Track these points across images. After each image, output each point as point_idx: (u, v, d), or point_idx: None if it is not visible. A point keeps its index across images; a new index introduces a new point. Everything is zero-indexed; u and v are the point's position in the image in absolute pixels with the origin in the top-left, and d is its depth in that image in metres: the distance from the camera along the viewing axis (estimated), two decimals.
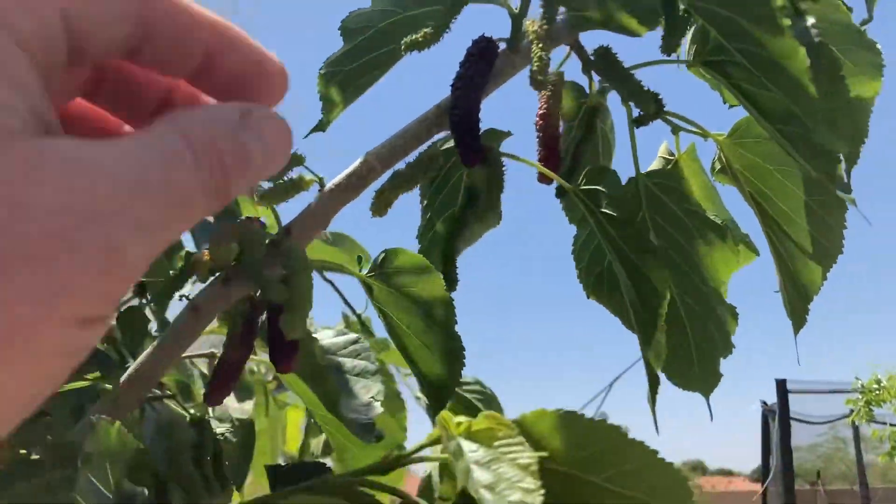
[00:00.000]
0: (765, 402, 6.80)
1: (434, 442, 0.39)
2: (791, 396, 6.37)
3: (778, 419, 6.30)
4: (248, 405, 0.93)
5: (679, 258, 0.62)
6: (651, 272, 0.51)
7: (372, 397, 0.62)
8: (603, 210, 0.53)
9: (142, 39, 0.24)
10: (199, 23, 0.25)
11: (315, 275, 0.62)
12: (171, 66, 0.25)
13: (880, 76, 0.61)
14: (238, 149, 0.24)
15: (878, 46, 0.60)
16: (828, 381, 6.72)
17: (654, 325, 0.51)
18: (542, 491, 0.32)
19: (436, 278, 0.57)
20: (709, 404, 0.61)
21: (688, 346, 0.61)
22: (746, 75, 0.53)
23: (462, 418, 0.37)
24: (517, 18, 0.52)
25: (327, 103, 0.56)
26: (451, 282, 0.55)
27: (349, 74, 0.56)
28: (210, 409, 0.97)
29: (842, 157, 0.62)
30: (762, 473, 6.96)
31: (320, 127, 0.57)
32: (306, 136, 0.57)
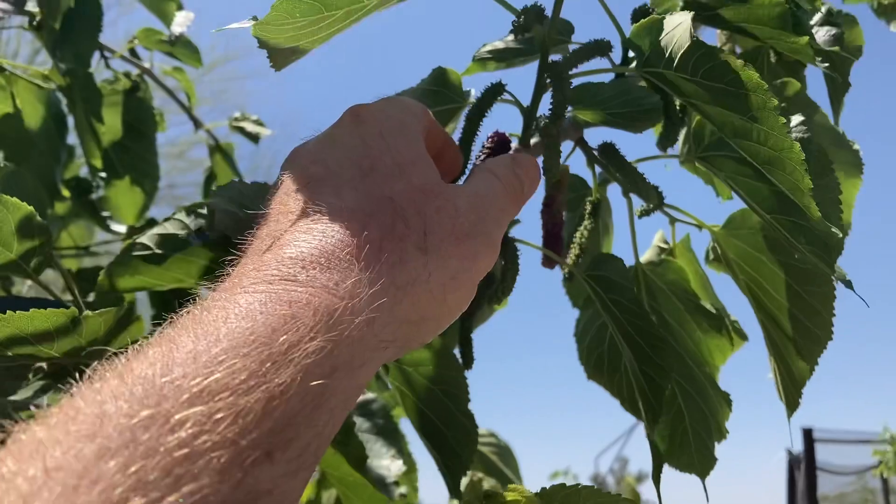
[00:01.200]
0: (790, 451, 6.71)
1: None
2: (818, 446, 6.28)
3: (804, 469, 6.20)
4: None
5: (675, 344, 0.66)
6: (660, 359, 0.54)
7: (391, 456, 0.67)
8: (611, 296, 0.57)
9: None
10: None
11: None
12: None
13: (860, 173, 0.65)
14: (517, 176, 0.42)
15: (857, 147, 0.65)
16: (856, 431, 6.60)
17: (661, 408, 0.54)
18: None
19: (452, 359, 0.62)
20: (705, 486, 0.64)
21: (685, 430, 0.64)
22: (742, 168, 0.57)
23: (486, 486, 0.41)
24: (528, 115, 0.56)
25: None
26: (468, 361, 0.59)
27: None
28: None
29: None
30: None
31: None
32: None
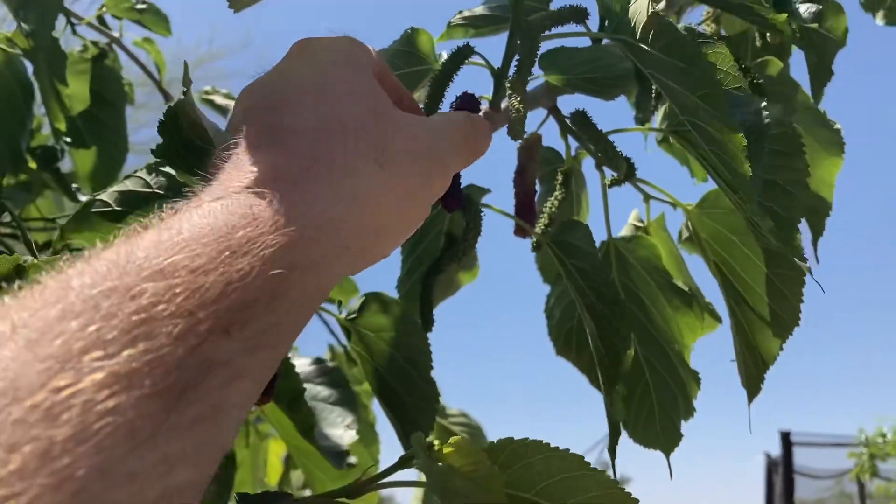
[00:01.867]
0: (768, 455, 6.74)
1: (403, 465, 0.42)
2: (796, 449, 6.32)
3: (781, 472, 6.24)
4: None
5: (645, 320, 0.65)
6: (619, 324, 0.54)
7: (346, 426, 0.66)
8: (573, 262, 0.56)
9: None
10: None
11: None
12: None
13: (841, 152, 0.65)
14: (472, 129, 0.42)
15: (838, 126, 0.64)
16: (833, 435, 6.65)
17: (618, 374, 0.54)
18: None
19: (414, 325, 0.61)
20: (669, 463, 0.63)
21: (651, 405, 0.64)
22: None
23: (435, 442, 0.40)
24: (499, 77, 0.55)
25: None
26: (427, 323, 0.58)
27: None
28: None
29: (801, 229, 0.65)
30: None
31: None
32: None
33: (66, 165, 1.29)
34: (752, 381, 0.61)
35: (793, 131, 0.57)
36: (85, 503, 0.19)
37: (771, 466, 6.57)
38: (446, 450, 0.39)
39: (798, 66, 0.74)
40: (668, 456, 0.63)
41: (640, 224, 0.72)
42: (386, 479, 0.42)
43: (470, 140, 0.42)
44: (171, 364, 0.23)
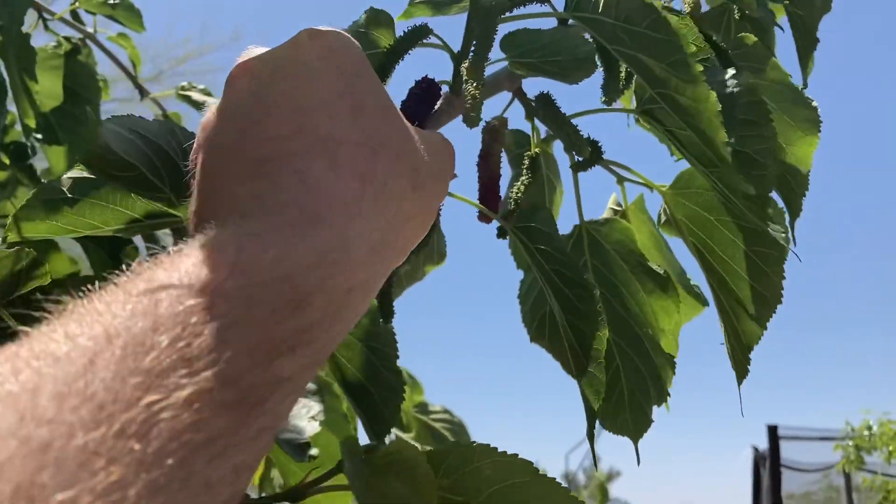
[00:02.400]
0: (756, 448, 6.76)
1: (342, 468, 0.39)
2: (784, 443, 6.34)
3: (769, 466, 6.26)
4: None
5: (618, 305, 0.63)
6: (585, 305, 0.52)
7: (311, 417, 0.63)
8: (538, 246, 0.54)
9: None
10: None
11: None
12: None
13: (817, 131, 0.63)
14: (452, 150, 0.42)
15: (815, 104, 0.62)
16: (820, 428, 6.68)
17: (588, 357, 0.52)
18: None
19: (377, 314, 0.58)
20: (637, 449, 0.61)
21: (621, 391, 0.61)
22: (677, 122, 0.55)
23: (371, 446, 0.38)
24: (458, 61, 0.53)
25: None
26: (386, 314, 0.56)
27: None
28: None
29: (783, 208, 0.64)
30: None
31: None
32: None
33: (43, 163, 1.27)
34: (739, 362, 0.59)
35: (760, 100, 0.55)
36: None
37: (758, 460, 6.59)
38: (386, 452, 0.36)
39: (785, 43, 0.72)
40: (636, 443, 0.61)
41: (618, 208, 0.70)
42: (328, 483, 0.39)
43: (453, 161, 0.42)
44: (247, 382, 0.25)
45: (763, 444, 6.39)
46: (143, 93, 1.32)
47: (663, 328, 0.64)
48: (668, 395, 0.62)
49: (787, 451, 6.33)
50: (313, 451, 0.57)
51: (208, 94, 1.34)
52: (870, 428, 6.06)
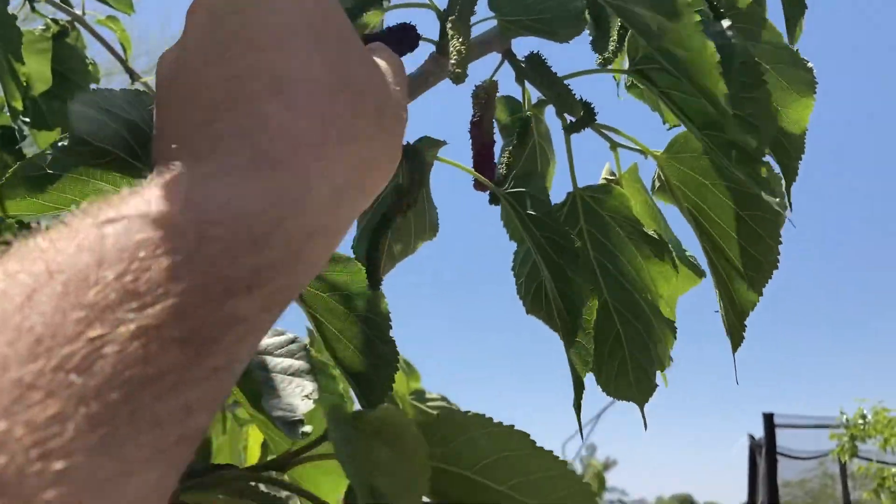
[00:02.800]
0: (752, 437, 6.78)
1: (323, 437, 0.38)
2: (780, 431, 6.36)
3: (764, 454, 6.27)
4: None
5: (615, 271, 0.62)
6: (574, 274, 0.51)
7: (305, 396, 0.62)
8: (528, 212, 0.53)
9: None
10: None
11: None
12: None
13: (813, 93, 0.62)
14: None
15: (810, 65, 0.61)
16: (816, 416, 6.70)
17: (577, 325, 0.51)
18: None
19: (370, 289, 0.57)
20: (643, 414, 0.61)
21: (623, 356, 0.61)
22: (672, 81, 0.53)
23: (358, 411, 0.37)
24: (444, 18, 0.52)
25: None
26: (374, 281, 0.54)
27: None
28: None
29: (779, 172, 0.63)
30: None
31: None
32: None
33: (34, 149, 1.25)
34: (734, 329, 0.58)
35: (753, 61, 0.54)
36: (115, 446, 0.21)
37: (754, 448, 6.61)
38: (372, 417, 0.35)
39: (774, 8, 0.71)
40: (641, 407, 0.61)
41: (612, 177, 0.69)
42: (314, 452, 0.38)
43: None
44: (199, 319, 0.24)
45: (759, 432, 6.41)
46: (133, 77, 1.30)
47: (661, 294, 0.63)
48: (671, 359, 0.61)
49: (783, 439, 6.35)
50: (306, 429, 0.56)
51: None
52: (864, 417, 6.08)
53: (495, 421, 0.38)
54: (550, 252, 0.51)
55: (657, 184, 0.66)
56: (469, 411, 0.39)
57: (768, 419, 6.22)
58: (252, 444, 1.25)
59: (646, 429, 0.58)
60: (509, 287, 0.67)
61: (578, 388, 0.52)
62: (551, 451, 0.38)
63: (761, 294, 0.59)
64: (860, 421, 6.07)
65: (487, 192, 0.59)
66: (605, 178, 0.69)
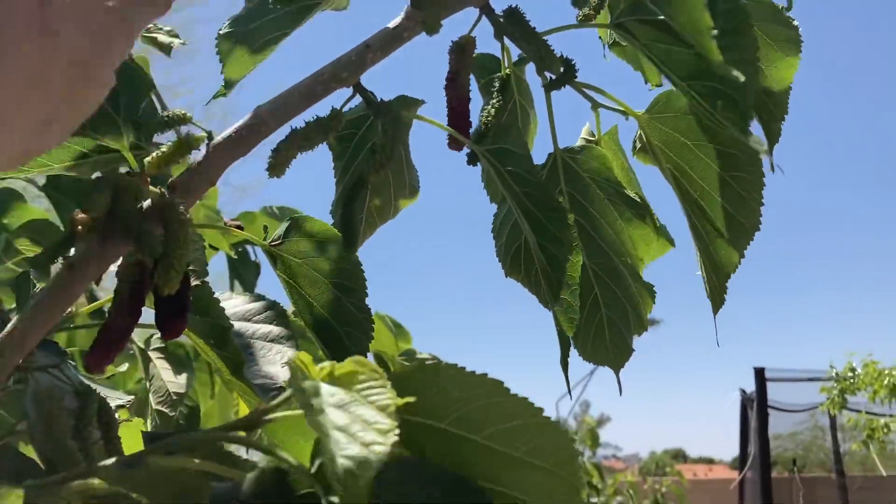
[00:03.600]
0: (744, 391, 6.84)
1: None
2: (771, 385, 6.41)
3: (756, 407, 6.34)
4: (183, 378, 0.92)
5: (594, 234, 0.61)
6: (557, 227, 0.50)
7: (284, 363, 0.62)
8: (508, 168, 0.52)
9: None
10: None
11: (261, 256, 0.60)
12: None
13: (798, 52, 0.60)
14: None
15: (796, 23, 0.59)
16: (806, 370, 6.76)
17: (561, 282, 0.50)
18: (397, 431, 0.31)
19: (345, 250, 0.56)
20: (618, 378, 0.60)
21: (601, 321, 0.60)
22: (655, 34, 0.52)
23: (326, 363, 0.35)
24: None
25: (230, 65, 0.55)
26: (350, 241, 0.53)
27: (253, 33, 0.54)
28: (148, 382, 0.95)
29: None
30: (740, 461, 7.01)
31: (221, 92, 0.56)
32: (208, 103, 0.56)
33: None
34: (716, 292, 0.58)
35: (740, 7, 0.52)
36: None
37: (746, 402, 6.68)
38: (339, 371, 0.34)
39: None
40: (617, 372, 0.60)
41: (591, 138, 0.67)
42: (281, 413, 0.37)
43: None
44: None
45: (751, 387, 6.46)
46: None
47: (642, 257, 0.62)
48: (649, 322, 0.61)
49: (775, 392, 6.41)
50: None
51: (175, 35, 1.30)
52: (853, 370, 6.14)
53: (468, 370, 0.37)
54: (532, 208, 0.50)
55: (638, 145, 0.64)
56: (440, 362, 0.37)
57: (759, 374, 6.27)
58: (244, 410, 1.25)
59: (621, 394, 0.58)
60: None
61: (565, 345, 0.52)
62: (526, 398, 0.37)
63: (743, 256, 0.59)
64: (850, 374, 6.13)
65: (465, 151, 0.58)
66: (585, 139, 0.68)
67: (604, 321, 0.60)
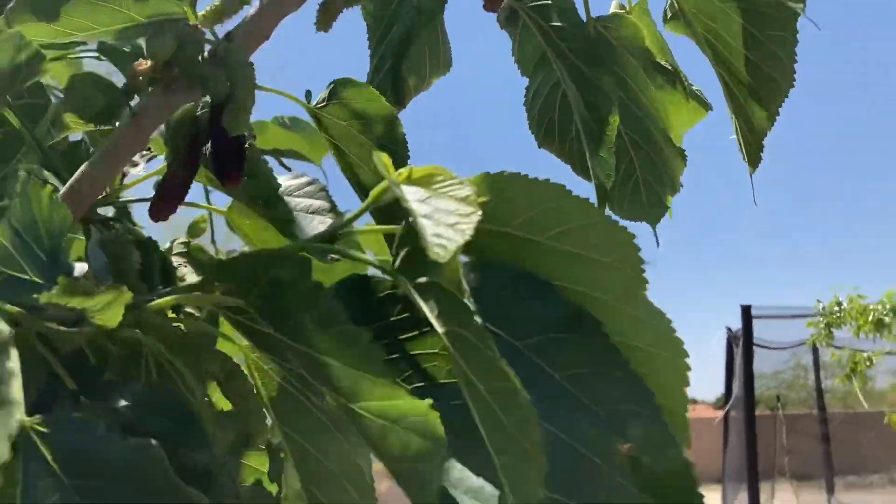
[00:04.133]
0: (730, 329, 6.92)
1: (375, 200, 0.38)
2: (758, 322, 6.48)
3: (742, 345, 6.42)
4: None
5: (628, 100, 0.62)
6: (601, 80, 0.51)
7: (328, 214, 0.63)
8: (553, 24, 0.52)
9: None
10: None
11: (272, 161, 0.61)
12: None
13: None
14: None
15: None
16: (793, 307, 6.84)
17: (602, 135, 0.51)
18: (479, 213, 0.32)
19: (388, 114, 0.57)
20: (655, 234, 0.62)
21: (636, 181, 0.62)
22: None
23: (403, 168, 0.36)
24: None
25: None
26: (400, 97, 0.54)
27: None
28: None
29: None
30: (725, 399, 7.12)
31: None
32: None
33: None
34: (752, 150, 0.59)
35: None
36: None
37: (732, 340, 6.76)
38: (417, 174, 0.35)
39: None
40: (654, 226, 0.62)
41: (622, 10, 0.68)
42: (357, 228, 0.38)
43: None
44: None
45: (737, 326, 6.53)
46: None
47: (672, 123, 0.64)
48: (681, 185, 0.62)
49: (761, 330, 6.49)
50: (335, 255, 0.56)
51: None
52: (840, 304, 6.24)
53: (532, 177, 0.38)
54: (578, 63, 0.51)
55: (669, 13, 0.65)
56: (504, 171, 0.38)
57: (746, 311, 6.33)
58: None
59: (658, 246, 0.60)
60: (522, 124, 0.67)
61: (602, 195, 0.53)
62: (586, 199, 0.37)
63: (777, 114, 0.60)
64: (836, 308, 6.23)
65: (497, 14, 0.59)
66: (615, 12, 0.68)
67: (640, 182, 0.62)
